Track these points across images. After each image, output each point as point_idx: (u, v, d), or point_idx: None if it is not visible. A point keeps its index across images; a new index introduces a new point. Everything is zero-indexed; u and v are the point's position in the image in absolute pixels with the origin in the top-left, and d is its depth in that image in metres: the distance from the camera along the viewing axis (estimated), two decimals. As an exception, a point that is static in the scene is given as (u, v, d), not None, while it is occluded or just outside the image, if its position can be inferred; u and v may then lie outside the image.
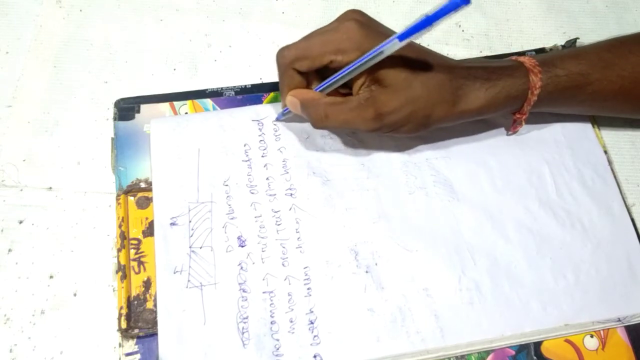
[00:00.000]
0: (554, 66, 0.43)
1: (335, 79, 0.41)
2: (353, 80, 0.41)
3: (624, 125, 0.52)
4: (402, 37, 0.35)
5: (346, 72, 0.40)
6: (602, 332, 0.44)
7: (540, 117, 0.50)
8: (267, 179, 0.46)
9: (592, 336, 0.44)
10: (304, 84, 0.43)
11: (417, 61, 0.40)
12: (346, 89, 0.43)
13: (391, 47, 0.36)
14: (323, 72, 0.42)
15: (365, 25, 0.40)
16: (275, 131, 0.48)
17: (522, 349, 0.43)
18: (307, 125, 0.48)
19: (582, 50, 0.46)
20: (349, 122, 0.41)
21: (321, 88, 0.42)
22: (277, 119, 0.48)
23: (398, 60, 0.40)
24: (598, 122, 0.51)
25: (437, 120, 0.42)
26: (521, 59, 0.44)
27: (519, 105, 0.44)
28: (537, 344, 0.43)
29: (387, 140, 0.48)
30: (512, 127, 0.47)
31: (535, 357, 0.43)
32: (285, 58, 0.42)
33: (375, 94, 0.40)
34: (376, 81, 0.40)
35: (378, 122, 0.41)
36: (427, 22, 0.34)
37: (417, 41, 0.37)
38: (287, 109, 0.45)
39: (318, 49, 0.40)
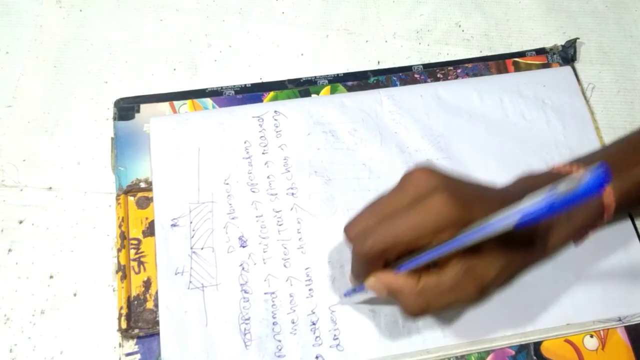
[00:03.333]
0: (622, 181, 0.40)
1: (425, 259, 0.34)
2: None
3: (625, 125, 0.52)
4: (519, 226, 0.29)
5: (442, 252, 0.33)
6: (602, 332, 0.44)
7: (541, 117, 0.50)
8: (268, 177, 0.46)
9: (592, 336, 0.44)
10: (382, 263, 0.36)
11: None
12: None
13: (502, 229, 0.30)
14: None
15: (455, 194, 0.33)
16: (276, 127, 0.48)
17: (522, 349, 0.43)
18: (308, 123, 0.48)
19: (637, 151, 0.42)
20: (450, 305, 0.36)
21: (407, 269, 0.36)
22: (346, 295, 0.43)
23: None
24: (598, 122, 0.51)
25: (531, 268, 0.40)
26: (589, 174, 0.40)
27: (593, 228, 0.42)
28: (537, 344, 0.43)
29: (389, 141, 0.48)
30: (579, 242, 0.45)
31: (535, 357, 0.43)
32: (372, 251, 0.35)
33: (471, 264, 0.35)
34: (467, 250, 0.34)
35: (482, 296, 0.36)
36: (551, 210, 0.27)
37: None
38: (361, 287, 0.39)
39: (410, 236, 0.34)
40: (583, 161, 0.42)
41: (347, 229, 0.36)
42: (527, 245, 0.37)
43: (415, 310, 0.36)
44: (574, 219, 0.39)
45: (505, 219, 0.30)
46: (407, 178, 0.36)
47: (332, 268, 0.44)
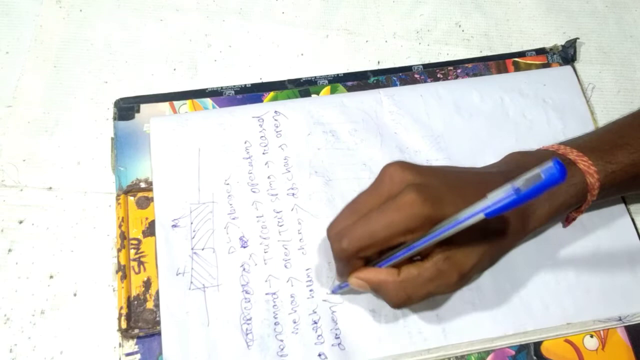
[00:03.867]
0: (608, 162, 0.41)
1: (403, 255, 0.36)
2: None
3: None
4: (490, 214, 0.30)
5: (417, 248, 0.35)
6: (602, 332, 0.44)
7: (542, 116, 0.50)
8: (268, 177, 0.46)
9: (592, 336, 0.44)
10: (363, 261, 0.38)
11: None
12: None
13: (473, 220, 0.31)
14: None
15: (426, 191, 0.34)
16: (276, 127, 0.48)
17: (522, 349, 0.43)
18: (308, 123, 0.48)
19: (626, 134, 0.43)
20: (432, 294, 0.37)
21: (386, 265, 0.37)
22: (333, 292, 0.43)
23: None
24: (598, 122, 0.51)
25: (511, 249, 0.40)
26: (570, 154, 0.41)
27: (577, 206, 0.42)
28: (537, 344, 0.43)
29: (389, 141, 0.48)
30: (566, 223, 0.46)
31: (535, 357, 0.43)
32: (347, 250, 0.36)
33: (450, 253, 0.36)
34: (447, 239, 0.35)
35: (463, 282, 0.37)
36: (519, 201, 0.28)
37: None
38: (346, 284, 0.40)
39: (383, 235, 0.35)
40: (572, 143, 0.43)
41: (328, 229, 0.38)
42: (506, 229, 0.38)
43: (398, 301, 0.37)
44: (554, 197, 0.40)
45: (474, 213, 0.31)
46: (381, 175, 0.37)
47: (333, 269, 0.44)
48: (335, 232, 0.37)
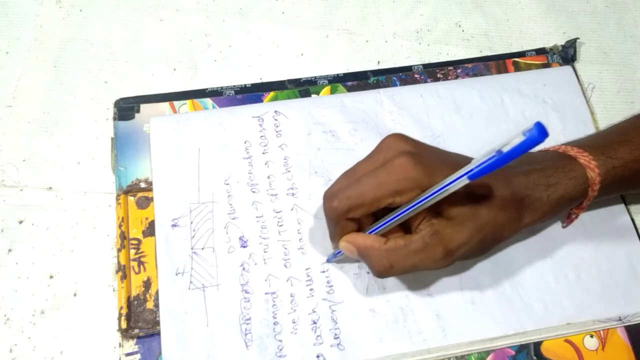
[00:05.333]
0: (609, 157, 0.41)
1: (392, 220, 0.37)
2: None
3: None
4: (473, 176, 0.31)
5: (405, 213, 0.36)
6: (602, 332, 0.44)
7: (542, 116, 0.50)
8: (268, 177, 0.46)
9: (592, 336, 0.44)
10: (356, 227, 0.39)
11: (477, 186, 0.36)
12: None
13: (458, 184, 0.32)
14: (376, 213, 0.39)
15: (418, 158, 0.36)
16: (276, 127, 0.48)
17: (522, 349, 0.43)
18: (308, 123, 0.48)
19: (627, 132, 0.43)
20: (416, 267, 0.37)
21: (376, 230, 0.38)
22: (328, 261, 0.44)
23: (459, 190, 0.35)
24: (598, 122, 0.51)
25: (506, 237, 0.39)
26: (571, 152, 0.41)
27: (578, 202, 0.42)
28: (537, 344, 0.43)
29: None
30: (567, 221, 0.46)
31: (535, 357, 0.43)
32: (337, 210, 0.37)
33: (439, 228, 0.36)
34: (437, 214, 0.37)
35: (448, 260, 0.37)
36: (502, 162, 0.29)
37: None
38: (339, 251, 0.41)
39: (372, 195, 0.36)
40: (574, 143, 0.43)
41: (324, 194, 0.39)
42: (499, 214, 0.37)
43: (380, 267, 0.37)
44: (553, 189, 0.40)
45: (459, 177, 0.32)
46: (379, 145, 0.39)
47: (332, 269, 0.44)
48: (328, 193, 0.38)
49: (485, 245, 0.38)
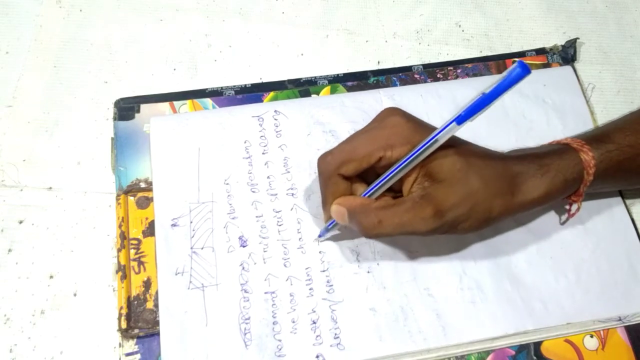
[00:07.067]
0: (603, 142, 0.41)
1: (385, 179, 0.38)
2: (402, 180, 0.38)
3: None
4: (459, 119, 0.32)
5: (398, 168, 0.37)
6: (602, 332, 0.44)
7: (542, 116, 0.50)
8: (267, 177, 0.46)
9: (592, 336, 0.44)
10: (349, 191, 0.40)
11: (469, 152, 0.38)
12: (392, 193, 0.40)
13: (448, 132, 0.33)
14: (368, 178, 0.40)
15: (410, 117, 0.38)
16: (276, 127, 0.48)
17: (522, 349, 0.43)
18: (308, 123, 0.48)
19: (625, 121, 0.44)
20: (405, 225, 0.37)
21: (369, 193, 0.39)
22: (320, 237, 0.44)
23: (450, 152, 0.37)
24: (599, 122, 0.51)
25: (499, 214, 0.38)
26: (564, 140, 0.42)
27: (575, 187, 0.42)
28: (537, 344, 0.43)
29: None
30: (568, 213, 0.45)
31: (535, 357, 0.43)
32: (329, 164, 0.38)
33: (430, 190, 0.37)
34: (429, 176, 0.37)
35: (438, 220, 0.37)
36: (485, 101, 0.29)
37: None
38: (331, 223, 0.42)
39: (364, 148, 0.37)
40: (578, 137, 0.43)
41: (320, 158, 0.40)
42: (490, 183, 0.38)
43: (369, 224, 0.37)
44: (547, 170, 0.40)
45: (447, 124, 0.33)
46: (377, 115, 0.40)
47: (332, 268, 0.44)
48: (323, 153, 0.40)
49: (477, 214, 0.38)
